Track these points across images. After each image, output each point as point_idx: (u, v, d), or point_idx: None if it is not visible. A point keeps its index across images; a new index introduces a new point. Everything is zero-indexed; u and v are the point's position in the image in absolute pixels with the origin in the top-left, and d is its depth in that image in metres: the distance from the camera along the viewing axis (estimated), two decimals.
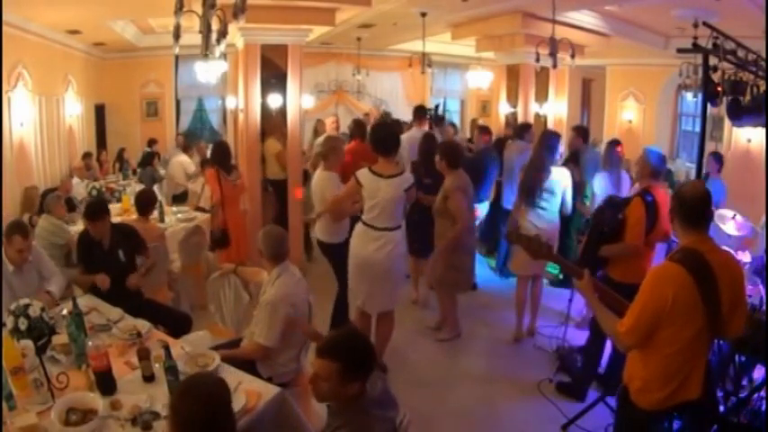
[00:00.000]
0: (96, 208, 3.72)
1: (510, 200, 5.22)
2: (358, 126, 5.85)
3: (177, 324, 3.53)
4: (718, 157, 5.72)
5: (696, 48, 3.53)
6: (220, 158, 5.14)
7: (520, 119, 8.33)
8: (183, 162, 8.08)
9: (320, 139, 5.77)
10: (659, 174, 3.49)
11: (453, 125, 7.62)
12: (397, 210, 3.70)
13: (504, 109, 8.72)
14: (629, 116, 11.05)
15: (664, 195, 3.40)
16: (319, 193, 4.32)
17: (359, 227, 3.78)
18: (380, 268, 3.69)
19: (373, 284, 3.75)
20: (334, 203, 3.99)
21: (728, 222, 4.76)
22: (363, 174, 3.70)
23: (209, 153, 8.51)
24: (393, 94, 12.54)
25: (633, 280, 2.84)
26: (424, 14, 7.29)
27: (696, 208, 2.13)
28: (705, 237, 2.15)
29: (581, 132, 5.83)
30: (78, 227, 5.20)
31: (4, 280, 3.23)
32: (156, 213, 5.21)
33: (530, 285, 4.57)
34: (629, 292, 2.45)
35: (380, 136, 3.84)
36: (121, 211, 5.61)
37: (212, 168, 5.10)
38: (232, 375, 2.57)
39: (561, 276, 5.36)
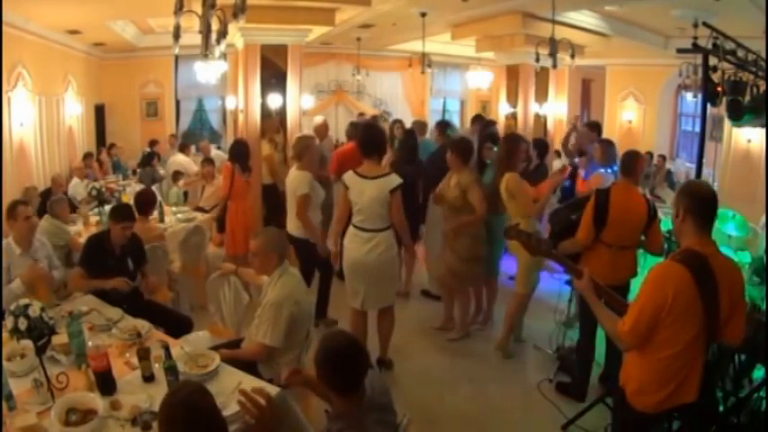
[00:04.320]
0: (127, 211, 3.79)
1: None
2: (355, 128, 5.85)
3: (178, 326, 3.52)
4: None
5: (696, 48, 3.53)
6: (240, 156, 5.34)
7: (520, 119, 8.33)
8: (183, 162, 8.09)
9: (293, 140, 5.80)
10: (628, 171, 3.43)
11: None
12: (383, 210, 3.66)
13: (504, 109, 8.72)
14: (628, 116, 11.06)
15: (630, 195, 3.36)
16: (290, 191, 4.40)
17: (350, 230, 3.80)
18: (375, 269, 3.71)
19: (370, 284, 3.76)
20: (337, 217, 3.98)
21: (728, 222, 4.76)
22: (349, 176, 3.73)
23: (212, 152, 8.55)
24: (393, 94, 12.55)
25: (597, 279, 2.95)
26: (423, 14, 7.29)
27: (710, 210, 2.10)
28: (710, 240, 2.12)
29: (594, 128, 5.99)
30: (78, 227, 5.22)
31: (4, 265, 3.27)
32: (156, 213, 5.23)
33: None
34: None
35: (365, 137, 3.85)
36: None
37: (230, 164, 5.32)
38: (232, 375, 2.57)
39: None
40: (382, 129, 4.37)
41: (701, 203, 2.10)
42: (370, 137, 3.82)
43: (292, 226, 4.50)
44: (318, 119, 6.81)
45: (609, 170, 4.75)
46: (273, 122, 6.04)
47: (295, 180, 4.36)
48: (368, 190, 3.63)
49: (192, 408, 1.67)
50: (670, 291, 2.01)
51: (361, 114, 10.47)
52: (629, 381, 2.23)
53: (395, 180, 3.67)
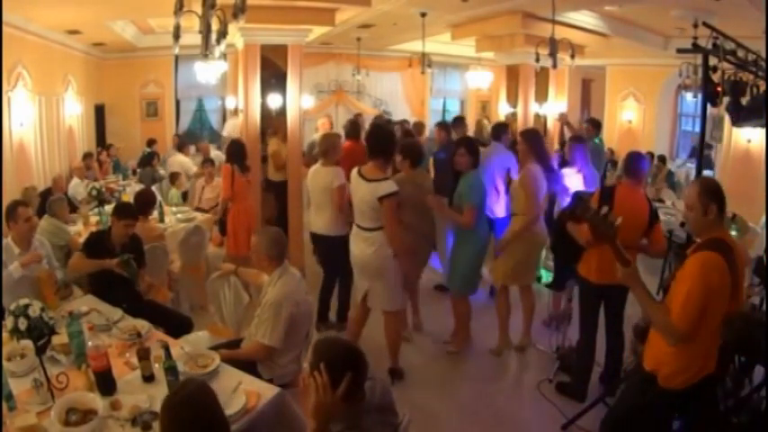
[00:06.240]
0: (130, 208, 3.80)
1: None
2: (353, 126, 5.85)
3: (178, 326, 3.52)
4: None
5: (696, 48, 3.53)
6: (238, 157, 5.31)
7: (519, 119, 8.33)
8: (183, 162, 8.09)
9: (316, 138, 5.81)
10: (632, 172, 3.47)
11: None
12: (373, 213, 3.59)
13: (503, 109, 8.72)
14: (628, 116, 11.06)
15: (634, 195, 3.37)
16: (321, 188, 4.39)
17: (353, 228, 3.86)
18: (373, 266, 3.72)
19: (372, 281, 3.78)
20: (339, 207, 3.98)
21: (728, 223, 4.75)
22: (353, 173, 3.77)
23: (211, 152, 8.55)
24: (393, 94, 12.54)
25: (597, 279, 3.31)
26: (423, 15, 7.29)
27: (724, 200, 2.29)
28: (725, 229, 2.36)
29: (594, 125, 6.03)
30: (78, 227, 5.22)
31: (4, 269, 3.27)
32: (155, 213, 5.23)
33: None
34: (592, 288, 3.26)
35: (371, 138, 3.89)
36: None
37: (229, 165, 5.28)
38: (232, 376, 2.57)
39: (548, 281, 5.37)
40: (390, 131, 4.29)
41: (722, 197, 2.29)
42: (376, 138, 3.83)
43: (318, 224, 4.49)
44: (322, 122, 6.88)
45: (576, 169, 4.77)
46: (283, 121, 6.04)
47: (326, 175, 4.34)
48: (360, 191, 3.65)
49: (193, 406, 1.66)
50: (715, 278, 2.17)
51: (358, 115, 10.45)
52: (663, 366, 2.34)
53: (386, 188, 3.51)
